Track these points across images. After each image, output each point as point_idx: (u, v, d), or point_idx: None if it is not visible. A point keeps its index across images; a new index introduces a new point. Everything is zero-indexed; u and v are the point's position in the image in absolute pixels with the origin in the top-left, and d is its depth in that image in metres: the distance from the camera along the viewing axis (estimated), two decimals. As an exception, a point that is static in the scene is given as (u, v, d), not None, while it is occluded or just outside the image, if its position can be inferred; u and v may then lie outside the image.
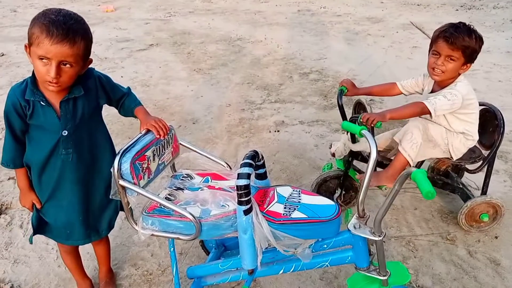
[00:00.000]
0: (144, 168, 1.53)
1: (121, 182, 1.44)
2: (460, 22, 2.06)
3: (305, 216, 1.48)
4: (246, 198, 1.41)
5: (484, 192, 2.26)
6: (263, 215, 1.47)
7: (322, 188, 2.43)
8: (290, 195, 1.60)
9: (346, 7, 7.84)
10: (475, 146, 2.24)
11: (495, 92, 4.07)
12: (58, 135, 1.53)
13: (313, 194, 1.64)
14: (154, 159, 1.59)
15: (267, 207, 1.53)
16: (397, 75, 4.57)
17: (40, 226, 1.71)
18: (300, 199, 1.57)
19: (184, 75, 4.83)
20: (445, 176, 2.50)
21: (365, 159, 2.31)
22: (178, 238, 1.53)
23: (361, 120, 1.96)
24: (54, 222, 1.69)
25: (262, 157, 1.62)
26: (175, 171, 1.81)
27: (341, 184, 2.35)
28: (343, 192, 2.38)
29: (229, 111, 3.91)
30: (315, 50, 5.63)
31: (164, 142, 1.64)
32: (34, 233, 1.72)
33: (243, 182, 1.40)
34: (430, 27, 6.29)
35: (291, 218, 1.47)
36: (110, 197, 1.48)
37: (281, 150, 3.22)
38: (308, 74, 4.81)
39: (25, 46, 1.46)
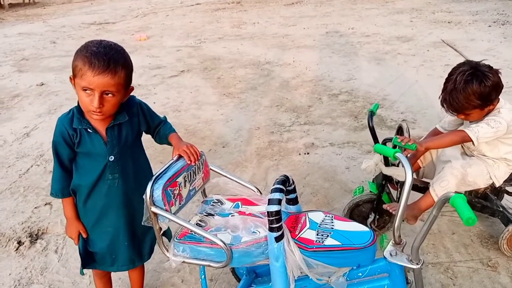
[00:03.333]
0: (176, 195, 1.54)
1: (153, 209, 1.45)
2: (459, 74, 1.95)
3: (339, 243, 1.44)
4: (277, 225, 1.39)
5: (528, 216, 2.14)
6: (295, 242, 1.44)
7: (354, 213, 2.36)
8: (322, 221, 1.56)
9: (374, 27, 7.80)
10: (515, 166, 2.13)
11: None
12: (105, 160, 1.58)
13: (347, 220, 1.59)
14: (185, 185, 1.60)
15: (298, 233, 1.50)
16: (430, 94, 4.46)
17: (87, 257, 1.73)
18: (333, 225, 1.54)
19: (214, 100, 4.90)
20: (484, 199, 2.38)
21: (395, 184, 2.25)
22: (209, 266, 1.51)
23: (398, 141, 1.91)
24: (99, 250, 1.72)
25: (293, 182, 1.60)
26: (206, 196, 1.81)
27: (374, 208, 2.28)
28: (377, 216, 2.30)
29: (259, 134, 3.91)
30: (344, 71, 5.60)
31: (195, 168, 1.64)
32: (83, 266, 1.74)
33: (274, 208, 1.38)
34: (463, 44, 6.16)
35: (324, 245, 1.44)
36: (142, 223, 1.49)
37: (312, 172, 3.18)
38: (337, 95, 4.78)
39: (70, 78, 1.51)
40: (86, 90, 1.44)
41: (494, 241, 2.30)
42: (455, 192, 2.01)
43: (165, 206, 1.46)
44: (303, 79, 5.47)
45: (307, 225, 1.55)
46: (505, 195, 2.38)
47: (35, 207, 2.92)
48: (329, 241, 1.45)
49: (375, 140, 2.20)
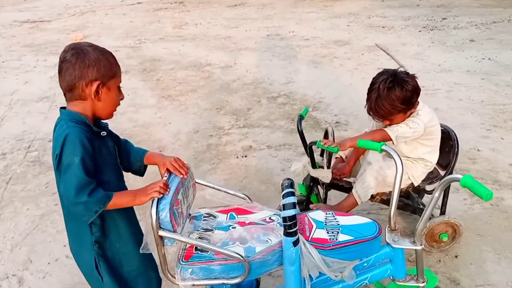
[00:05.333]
0: (179, 213, 1.45)
1: (161, 233, 1.34)
2: (382, 82, 2.05)
3: (352, 237, 1.49)
4: (294, 229, 1.37)
5: (442, 212, 2.31)
6: (311, 244, 1.44)
7: (285, 214, 2.42)
8: (326, 218, 1.59)
9: (314, 31, 8.02)
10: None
11: (456, 111, 4.20)
12: (117, 160, 1.57)
13: (348, 214, 1.65)
14: (184, 202, 1.52)
15: (310, 234, 1.50)
16: (362, 97, 4.64)
17: None
18: (337, 221, 1.58)
19: (153, 102, 4.82)
20: (406, 197, 2.54)
21: (321, 185, 2.34)
22: (223, 283, 1.43)
23: (321, 144, 2.00)
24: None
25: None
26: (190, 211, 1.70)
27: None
28: (307, 217, 2.38)
29: (197, 138, 3.90)
30: (283, 74, 5.72)
31: (188, 182, 1.56)
32: None
33: (290, 212, 1.36)
34: (395, 48, 6.50)
35: (339, 242, 1.47)
36: (141, 251, 1.38)
37: (249, 175, 3.23)
38: (276, 98, 4.87)
39: (95, 91, 1.42)
40: (119, 87, 1.51)
41: (415, 237, 2.46)
42: (380, 196, 2.15)
43: (173, 227, 1.36)
44: (244, 81, 5.52)
45: (314, 225, 1.56)
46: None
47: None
48: (342, 237, 1.49)
49: (304, 143, 2.28)
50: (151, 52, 7.23)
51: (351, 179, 2.39)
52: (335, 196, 2.55)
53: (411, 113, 2.14)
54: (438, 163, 2.32)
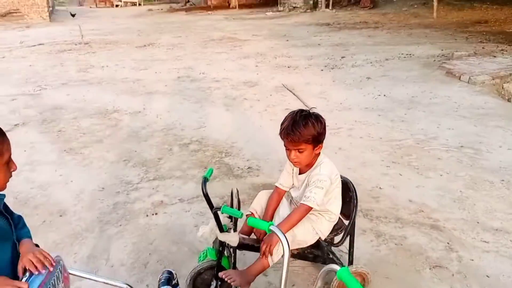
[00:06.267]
0: None
1: None
2: (297, 113, 2.13)
3: None
4: None
5: (350, 261, 2.37)
6: None
7: (197, 281, 2.32)
8: None
9: (224, 72, 8.16)
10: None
11: (358, 149, 4.46)
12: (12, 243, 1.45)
13: None
14: None
15: None
16: (272, 139, 4.76)
17: None
18: None
19: (53, 158, 4.46)
20: (316, 248, 2.58)
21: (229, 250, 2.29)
22: None
23: (226, 209, 1.95)
24: None
25: (176, 275, 1.57)
26: None
27: (215, 275, 2.27)
28: (219, 282, 2.29)
29: (102, 196, 3.65)
30: (195, 118, 5.68)
31: (54, 279, 1.38)
32: None
33: None
34: (300, 88, 6.82)
35: None
36: None
37: (159, 236, 3.06)
38: (188, 145, 4.79)
39: None
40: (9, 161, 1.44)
41: None
42: (292, 251, 2.14)
43: None
44: (154, 128, 5.37)
45: None
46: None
47: None
48: None
49: (210, 205, 2.21)
50: (52, 99, 6.79)
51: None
52: (251, 257, 2.48)
53: (317, 153, 2.19)
54: (341, 213, 2.39)
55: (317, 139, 2.15)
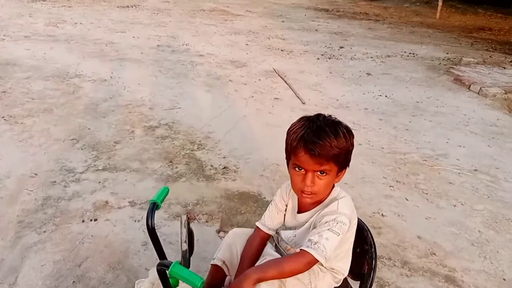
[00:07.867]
0: None
1: None
2: (319, 117, 1.44)
3: None
4: None
5: None
6: None
7: None
8: None
9: (210, 47, 7.29)
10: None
11: (357, 159, 3.74)
12: None
13: None
14: None
15: None
16: (255, 134, 4.02)
17: None
18: None
19: (-16, 126, 3.60)
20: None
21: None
22: None
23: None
24: None
25: None
26: None
27: None
28: None
29: (32, 186, 2.85)
30: (168, 96, 4.85)
31: None
32: None
33: None
34: (293, 76, 6.04)
35: None
36: None
37: (93, 254, 2.29)
38: (154, 129, 3.98)
39: None
40: None
41: None
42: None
43: None
44: (118, 102, 4.53)
45: None
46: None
47: None
48: None
49: (160, 254, 1.46)
50: (8, 53, 5.85)
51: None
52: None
53: (339, 178, 1.48)
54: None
55: (346, 159, 1.43)
